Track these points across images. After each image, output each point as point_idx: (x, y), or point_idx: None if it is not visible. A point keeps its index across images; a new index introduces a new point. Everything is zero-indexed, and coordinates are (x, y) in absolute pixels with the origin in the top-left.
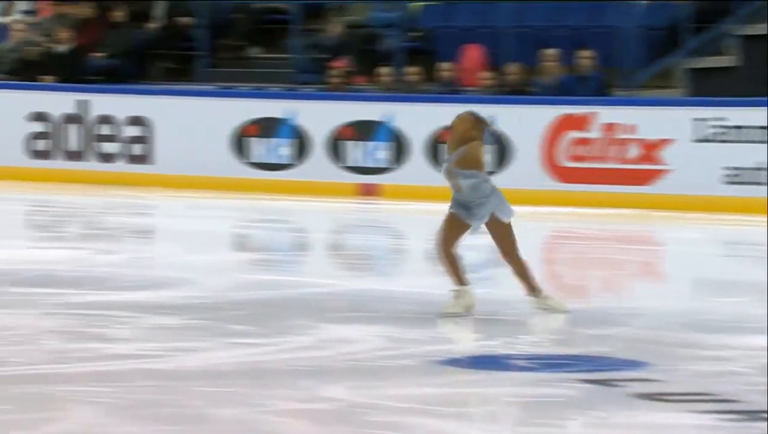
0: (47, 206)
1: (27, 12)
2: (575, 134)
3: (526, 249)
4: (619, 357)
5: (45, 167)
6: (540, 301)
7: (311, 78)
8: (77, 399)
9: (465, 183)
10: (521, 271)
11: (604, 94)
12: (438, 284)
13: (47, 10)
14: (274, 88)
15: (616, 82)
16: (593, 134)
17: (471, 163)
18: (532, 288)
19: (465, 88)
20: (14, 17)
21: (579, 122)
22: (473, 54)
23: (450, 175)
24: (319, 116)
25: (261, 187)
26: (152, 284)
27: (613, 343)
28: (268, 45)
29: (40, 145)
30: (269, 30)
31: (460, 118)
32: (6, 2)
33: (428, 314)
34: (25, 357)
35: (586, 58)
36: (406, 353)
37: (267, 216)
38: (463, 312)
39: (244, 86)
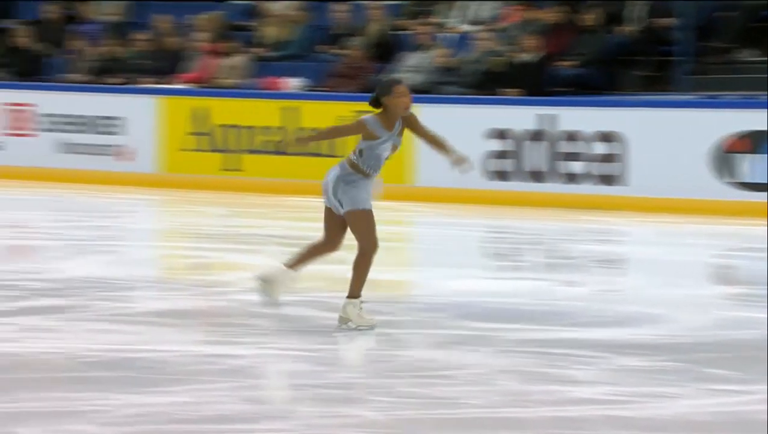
0: (505, 232)
1: (491, 19)
2: None
3: None
4: None
5: (503, 189)
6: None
7: None
8: None
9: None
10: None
11: None
12: None
13: (514, 16)
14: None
15: None
16: None
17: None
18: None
19: None
20: (478, 26)
21: None
22: None
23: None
24: None
25: (747, 210)
26: (620, 321)
27: None
28: (762, 47)
29: (499, 165)
30: (764, 30)
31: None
32: (462, 9)
33: None
34: (480, 398)
35: None
36: None
37: (753, 244)
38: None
39: (732, 95)
